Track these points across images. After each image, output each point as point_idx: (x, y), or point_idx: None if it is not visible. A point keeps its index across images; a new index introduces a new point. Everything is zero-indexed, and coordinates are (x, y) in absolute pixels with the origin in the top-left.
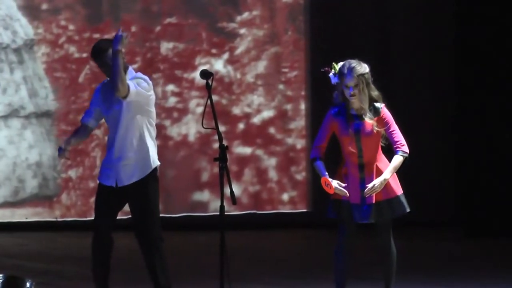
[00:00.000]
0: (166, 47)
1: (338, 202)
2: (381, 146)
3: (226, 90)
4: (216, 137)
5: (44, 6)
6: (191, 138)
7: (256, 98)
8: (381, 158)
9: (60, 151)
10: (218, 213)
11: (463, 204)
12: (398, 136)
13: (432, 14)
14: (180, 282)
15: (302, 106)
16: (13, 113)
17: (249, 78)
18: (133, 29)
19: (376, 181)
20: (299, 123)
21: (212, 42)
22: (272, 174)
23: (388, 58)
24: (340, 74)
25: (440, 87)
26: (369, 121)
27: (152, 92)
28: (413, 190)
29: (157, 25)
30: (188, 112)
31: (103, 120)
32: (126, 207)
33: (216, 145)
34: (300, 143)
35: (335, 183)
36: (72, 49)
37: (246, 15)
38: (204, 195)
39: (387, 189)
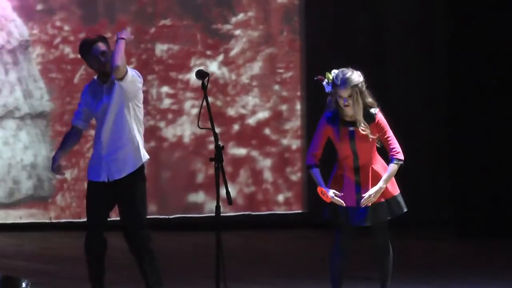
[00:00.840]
0: (160, 48)
1: (334, 204)
2: (377, 147)
3: (221, 91)
4: (211, 138)
5: (39, 7)
6: (186, 139)
7: (251, 99)
8: (377, 160)
9: (54, 169)
10: (213, 214)
11: (458, 205)
12: (393, 143)
13: (426, 14)
14: (175, 283)
15: (298, 106)
16: (8, 114)
17: (244, 79)
18: (128, 30)
19: (372, 191)
20: (295, 123)
21: (207, 44)
22: (267, 175)
23: (383, 59)
24: (334, 84)
25: (435, 88)
26: (362, 132)
27: (141, 86)
28: (407, 191)
29: (152, 27)
30: (183, 113)
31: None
32: None
33: (211, 147)
34: (295, 144)
35: (331, 193)
36: (67, 50)
37: (241, 16)
38: (199, 196)
39: (384, 190)
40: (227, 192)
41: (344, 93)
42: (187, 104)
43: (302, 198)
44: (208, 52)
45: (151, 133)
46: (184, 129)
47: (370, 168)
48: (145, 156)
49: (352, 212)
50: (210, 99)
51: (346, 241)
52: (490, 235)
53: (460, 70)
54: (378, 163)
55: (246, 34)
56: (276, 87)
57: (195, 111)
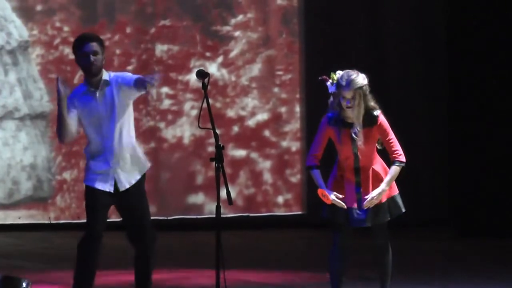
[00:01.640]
0: (160, 49)
1: (333, 204)
2: (377, 149)
3: (221, 93)
4: (211, 139)
5: (39, 7)
6: (186, 140)
7: (251, 101)
8: (377, 161)
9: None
10: (212, 216)
11: (457, 205)
12: (395, 145)
13: (425, 14)
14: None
15: (297, 109)
16: (7, 115)
17: (244, 81)
18: (128, 30)
19: (374, 193)
20: (294, 125)
21: (206, 45)
22: (267, 177)
23: (382, 60)
24: (339, 85)
25: (434, 88)
26: (360, 135)
27: None
28: (407, 191)
29: (151, 27)
30: (183, 114)
31: None
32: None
33: (210, 148)
34: (295, 146)
35: (332, 195)
36: (67, 50)
37: (240, 17)
38: (198, 198)
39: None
40: (228, 192)
41: (348, 94)
42: (187, 105)
43: (302, 200)
44: (208, 54)
45: (150, 134)
46: (184, 130)
47: (371, 169)
48: (147, 162)
49: (352, 213)
50: (209, 100)
51: (345, 241)
52: (490, 235)
53: (459, 70)
54: (378, 164)
55: (245, 36)
56: (276, 89)
57: (194, 112)
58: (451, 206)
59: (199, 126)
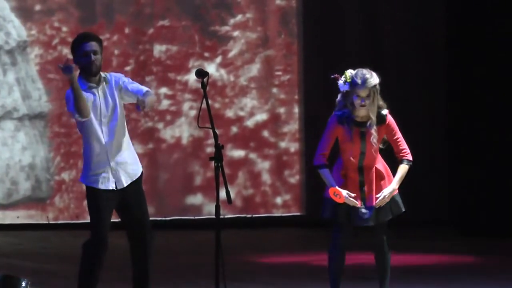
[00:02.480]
0: (159, 49)
1: (335, 203)
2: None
3: (219, 93)
4: (210, 140)
5: (38, 8)
6: (184, 141)
7: (249, 101)
8: (379, 160)
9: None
10: (211, 217)
11: (457, 204)
12: (403, 144)
13: (424, 16)
14: (175, 282)
15: (296, 109)
16: (6, 115)
17: (242, 81)
18: (126, 31)
19: (386, 192)
20: (293, 126)
21: (205, 46)
22: (266, 178)
23: (380, 61)
24: (353, 83)
25: (433, 88)
26: (374, 132)
27: None
28: (407, 190)
29: (150, 28)
30: (181, 114)
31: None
32: None
33: (209, 149)
34: (293, 147)
35: (345, 193)
36: (66, 50)
37: (239, 18)
38: (197, 198)
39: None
40: (227, 192)
41: (363, 92)
42: (186, 106)
43: (301, 201)
44: (206, 54)
45: (149, 135)
46: (183, 131)
47: (374, 168)
48: (139, 162)
49: (355, 212)
50: (208, 100)
51: (346, 241)
52: (490, 234)
53: (459, 69)
54: (380, 163)
55: (244, 36)
56: (274, 89)
57: (193, 112)
58: (451, 206)
59: (198, 125)
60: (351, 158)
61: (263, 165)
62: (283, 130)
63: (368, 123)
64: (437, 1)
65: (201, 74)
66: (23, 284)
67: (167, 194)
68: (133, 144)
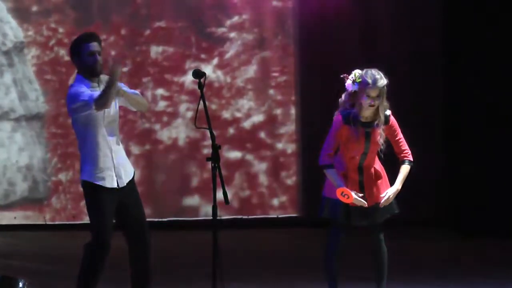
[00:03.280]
0: (155, 50)
1: (334, 203)
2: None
3: (216, 94)
4: (206, 141)
5: (34, 9)
6: (181, 142)
7: (246, 103)
8: (377, 161)
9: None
10: (208, 218)
11: (456, 204)
12: (404, 144)
13: (421, 16)
14: (172, 284)
15: (292, 111)
16: (3, 116)
17: (239, 82)
18: (123, 32)
19: (390, 192)
20: (289, 128)
21: (202, 47)
22: (262, 179)
23: (377, 61)
24: (364, 83)
25: (432, 87)
26: (382, 132)
27: None
28: (405, 191)
29: (146, 29)
30: (178, 116)
31: None
32: None
33: (206, 150)
34: (290, 148)
35: (353, 193)
36: (62, 52)
37: (235, 19)
38: (194, 200)
39: (380, 192)
40: (224, 192)
41: (373, 92)
42: (182, 107)
43: (297, 202)
44: (203, 55)
45: (146, 136)
46: (179, 132)
47: (372, 168)
48: None
49: (355, 212)
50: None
51: (343, 240)
52: (489, 235)
53: (458, 68)
54: (377, 163)
55: (240, 37)
56: (271, 91)
57: (190, 113)
58: (450, 206)
59: (195, 126)
60: (356, 157)
61: (260, 167)
62: (279, 131)
63: (376, 123)
64: (435, 2)
65: (198, 74)
66: (21, 284)
67: (164, 195)
68: (129, 145)
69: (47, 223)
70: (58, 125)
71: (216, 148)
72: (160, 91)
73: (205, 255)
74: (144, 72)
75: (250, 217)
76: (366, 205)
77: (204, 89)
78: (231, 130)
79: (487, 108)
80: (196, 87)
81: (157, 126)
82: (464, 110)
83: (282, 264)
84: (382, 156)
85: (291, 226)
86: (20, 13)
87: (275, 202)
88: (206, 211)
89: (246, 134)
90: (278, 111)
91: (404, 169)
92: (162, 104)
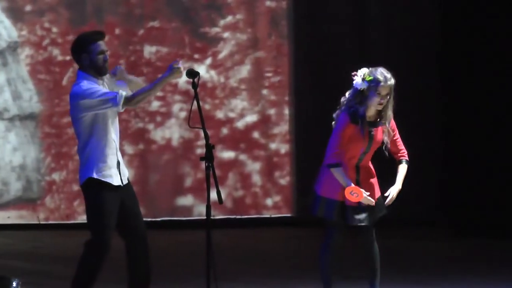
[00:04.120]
0: (149, 50)
1: (329, 202)
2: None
3: (209, 94)
4: (200, 141)
5: (28, 8)
6: (175, 142)
7: (240, 103)
8: (370, 161)
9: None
10: (201, 218)
11: (451, 204)
12: (401, 144)
13: (417, 15)
14: (165, 283)
15: (286, 111)
16: None
17: (233, 82)
18: (117, 32)
19: (394, 192)
20: (283, 128)
21: (195, 47)
22: (256, 179)
23: (371, 62)
24: (376, 81)
25: (427, 87)
26: (390, 131)
27: None
28: (402, 190)
29: (140, 29)
30: (172, 116)
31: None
32: None
33: (199, 150)
34: (284, 148)
35: (363, 192)
36: (56, 51)
37: (229, 18)
38: (187, 200)
39: (374, 191)
40: (218, 192)
41: (385, 90)
42: (176, 107)
43: (291, 202)
44: (196, 55)
45: (139, 136)
46: (173, 132)
47: (368, 168)
48: None
49: (352, 212)
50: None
51: (339, 240)
52: (484, 234)
53: (453, 69)
54: (371, 163)
55: (234, 37)
56: (264, 91)
57: (183, 113)
58: (446, 206)
59: (189, 126)
60: (356, 156)
61: (254, 167)
62: (273, 131)
63: (382, 122)
64: (431, 1)
65: (192, 74)
66: (14, 284)
67: (158, 195)
68: (123, 145)
69: (41, 222)
70: (52, 125)
71: (210, 148)
72: None
73: (198, 254)
74: (138, 72)
75: (243, 217)
76: (374, 203)
77: (198, 89)
78: (224, 130)
79: (485, 107)
80: (190, 87)
81: (150, 126)
82: (462, 110)
83: (276, 264)
84: (387, 154)
85: (284, 226)
86: (14, 12)
87: (269, 202)
88: (199, 211)
89: (239, 134)
90: (272, 111)
91: (404, 169)
92: (155, 104)
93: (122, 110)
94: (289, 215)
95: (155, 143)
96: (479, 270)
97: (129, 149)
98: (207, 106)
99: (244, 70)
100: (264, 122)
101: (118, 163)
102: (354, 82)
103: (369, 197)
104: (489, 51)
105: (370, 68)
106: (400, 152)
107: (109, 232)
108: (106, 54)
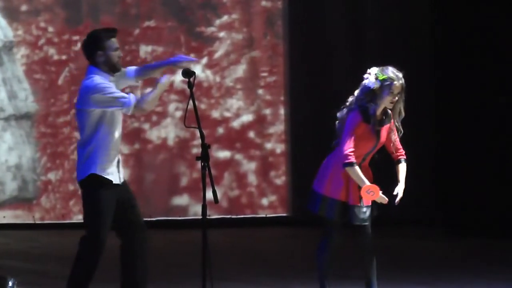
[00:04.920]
0: (145, 50)
1: (331, 203)
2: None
3: (205, 94)
4: (196, 141)
5: (24, 8)
6: (170, 142)
7: (235, 102)
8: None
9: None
10: (197, 217)
11: (445, 204)
12: (399, 143)
13: (410, 14)
14: (161, 283)
15: (281, 111)
16: None
17: (228, 82)
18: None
19: (400, 191)
20: (279, 127)
21: (191, 47)
22: (252, 179)
23: (367, 62)
24: (390, 79)
25: (420, 87)
26: (398, 125)
27: None
28: (393, 189)
29: (136, 28)
30: (167, 115)
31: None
32: None
33: (195, 149)
34: (279, 148)
35: (379, 191)
36: (52, 51)
37: (225, 18)
38: (183, 199)
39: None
40: (214, 191)
41: (397, 89)
42: (171, 107)
43: (286, 202)
44: (192, 55)
45: (135, 135)
46: (168, 131)
47: (367, 168)
48: None
49: (355, 211)
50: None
51: (337, 239)
52: (483, 234)
53: (447, 66)
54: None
55: (230, 37)
56: (260, 91)
57: (179, 113)
58: (440, 205)
59: (185, 125)
60: (363, 152)
61: (249, 166)
62: (269, 131)
63: (392, 120)
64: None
65: (188, 73)
66: (10, 283)
67: (153, 195)
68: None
69: (37, 222)
70: (47, 125)
71: (205, 147)
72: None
73: (194, 254)
74: None
75: (239, 216)
76: (386, 202)
77: (194, 89)
78: (220, 130)
79: (484, 107)
80: (185, 86)
81: (146, 126)
82: (460, 109)
83: (272, 263)
84: (403, 151)
85: (280, 226)
86: (10, 12)
87: (264, 201)
88: (195, 211)
89: (235, 134)
90: (267, 111)
91: (404, 167)
92: None
93: (130, 113)
94: (284, 214)
95: (151, 143)
96: (478, 270)
97: (125, 149)
98: (202, 106)
99: (240, 70)
100: (260, 122)
101: (119, 161)
102: (365, 81)
103: (383, 196)
104: (486, 51)
105: (381, 67)
106: (399, 151)
107: (105, 231)
108: (119, 51)
